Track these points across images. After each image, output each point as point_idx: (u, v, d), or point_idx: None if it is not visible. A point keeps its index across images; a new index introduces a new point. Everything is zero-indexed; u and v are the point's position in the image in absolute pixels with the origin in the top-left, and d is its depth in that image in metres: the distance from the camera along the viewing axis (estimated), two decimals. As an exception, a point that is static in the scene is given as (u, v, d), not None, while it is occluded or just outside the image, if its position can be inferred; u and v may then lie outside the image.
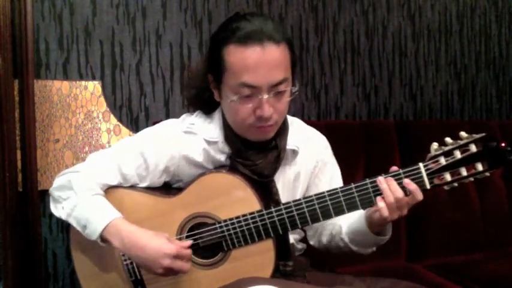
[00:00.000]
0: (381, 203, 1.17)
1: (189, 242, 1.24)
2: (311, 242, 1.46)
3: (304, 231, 1.47)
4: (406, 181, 1.16)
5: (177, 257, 1.19)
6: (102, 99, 1.89)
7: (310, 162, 1.39)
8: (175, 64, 2.04)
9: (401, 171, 1.17)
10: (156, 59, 2.01)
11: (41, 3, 1.84)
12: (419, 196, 1.16)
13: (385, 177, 1.18)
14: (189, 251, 1.22)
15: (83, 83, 1.87)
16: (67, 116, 1.84)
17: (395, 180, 1.17)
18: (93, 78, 1.91)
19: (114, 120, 1.90)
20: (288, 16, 2.20)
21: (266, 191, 1.30)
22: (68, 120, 1.84)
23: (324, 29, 2.28)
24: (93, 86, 1.88)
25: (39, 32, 1.83)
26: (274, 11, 2.18)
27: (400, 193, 1.16)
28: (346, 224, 1.34)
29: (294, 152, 1.35)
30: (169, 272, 1.20)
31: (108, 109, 1.89)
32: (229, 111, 1.25)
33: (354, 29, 2.33)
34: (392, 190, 1.16)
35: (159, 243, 1.19)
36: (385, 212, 1.17)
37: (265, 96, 1.18)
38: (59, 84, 1.83)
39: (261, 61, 1.16)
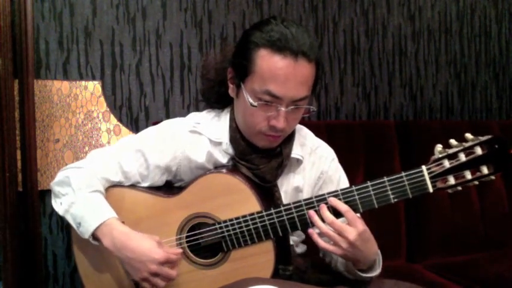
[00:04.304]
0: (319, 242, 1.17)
1: (179, 251, 1.24)
2: (320, 255, 1.42)
3: (306, 233, 1.46)
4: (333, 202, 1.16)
5: (164, 263, 1.19)
6: (102, 99, 1.89)
7: (315, 173, 1.37)
8: (175, 64, 2.04)
9: (403, 174, 1.15)
10: (156, 59, 2.01)
11: (41, 3, 1.84)
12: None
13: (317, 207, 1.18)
14: (177, 258, 1.22)
15: (83, 83, 1.87)
16: (67, 116, 1.84)
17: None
18: (93, 78, 1.91)
19: (114, 120, 1.90)
20: (288, 16, 2.20)
21: (269, 195, 1.29)
22: (68, 120, 1.84)
23: (324, 29, 2.28)
24: (93, 86, 1.88)
25: (39, 32, 1.83)
26: (274, 11, 2.17)
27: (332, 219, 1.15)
28: None
29: (298, 161, 1.34)
30: (154, 277, 1.19)
31: (108, 109, 1.89)
32: (244, 112, 1.23)
33: (354, 29, 2.33)
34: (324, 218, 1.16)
35: (149, 247, 1.19)
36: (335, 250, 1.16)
37: (284, 109, 1.17)
38: (59, 84, 1.83)
39: (291, 75, 1.15)
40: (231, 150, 1.30)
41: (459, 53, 2.56)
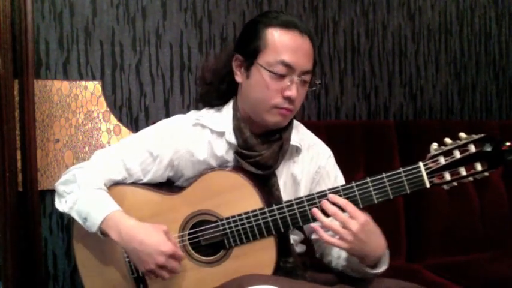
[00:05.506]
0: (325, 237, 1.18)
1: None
2: (317, 255, 1.44)
3: (305, 233, 1.46)
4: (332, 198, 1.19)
5: (172, 256, 1.20)
6: (102, 99, 1.89)
7: (313, 167, 1.41)
8: (175, 64, 2.04)
9: (401, 170, 1.18)
10: (156, 59, 2.01)
11: (41, 3, 1.84)
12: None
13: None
14: (182, 253, 1.24)
15: (83, 83, 1.87)
16: (67, 116, 1.84)
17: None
18: (93, 78, 1.91)
19: (114, 120, 1.90)
20: (288, 16, 2.20)
21: (268, 186, 1.31)
22: (68, 120, 1.84)
23: (324, 29, 2.28)
24: (93, 86, 1.88)
25: (39, 32, 1.83)
26: (274, 11, 2.17)
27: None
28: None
29: (298, 150, 1.38)
30: (161, 269, 1.20)
31: (108, 109, 1.89)
32: (258, 88, 1.28)
33: (354, 29, 2.33)
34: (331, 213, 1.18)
35: (157, 240, 1.20)
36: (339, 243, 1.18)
37: (296, 78, 1.26)
38: (59, 84, 1.83)
39: (301, 46, 1.28)
40: (233, 140, 1.32)
41: (459, 53, 2.56)
